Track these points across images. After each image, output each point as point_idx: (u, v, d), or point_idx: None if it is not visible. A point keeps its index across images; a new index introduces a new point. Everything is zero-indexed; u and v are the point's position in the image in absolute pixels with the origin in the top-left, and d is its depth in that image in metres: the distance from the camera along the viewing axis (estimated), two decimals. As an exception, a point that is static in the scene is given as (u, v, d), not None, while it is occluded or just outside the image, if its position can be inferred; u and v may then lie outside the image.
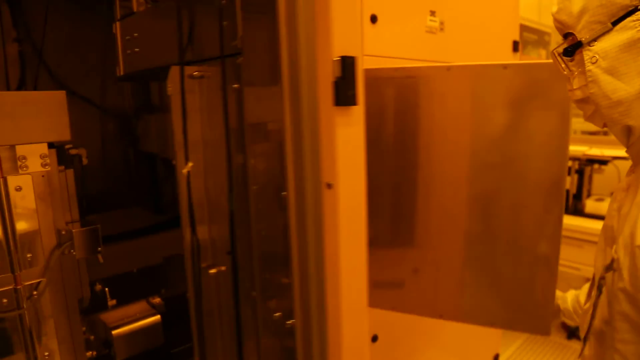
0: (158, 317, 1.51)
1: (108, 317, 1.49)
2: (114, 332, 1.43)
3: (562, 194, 1.12)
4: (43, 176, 1.18)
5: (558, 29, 0.95)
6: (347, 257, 0.83)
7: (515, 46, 1.87)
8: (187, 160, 0.92)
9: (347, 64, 0.84)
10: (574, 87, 0.92)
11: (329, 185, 0.82)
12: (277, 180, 0.85)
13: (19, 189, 1.14)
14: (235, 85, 0.94)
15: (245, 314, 0.92)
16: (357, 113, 0.85)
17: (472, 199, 1.22)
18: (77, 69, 2.45)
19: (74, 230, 1.19)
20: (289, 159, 0.83)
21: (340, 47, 0.82)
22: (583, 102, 0.92)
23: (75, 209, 1.25)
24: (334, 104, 0.82)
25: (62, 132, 1.12)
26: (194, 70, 1.03)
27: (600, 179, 3.49)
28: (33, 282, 1.21)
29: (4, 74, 2.24)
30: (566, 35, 0.92)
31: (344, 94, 0.83)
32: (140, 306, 1.57)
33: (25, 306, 1.19)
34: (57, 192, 1.20)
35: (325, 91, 0.82)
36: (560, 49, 0.91)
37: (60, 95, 1.10)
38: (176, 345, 1.61)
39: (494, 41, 1.78)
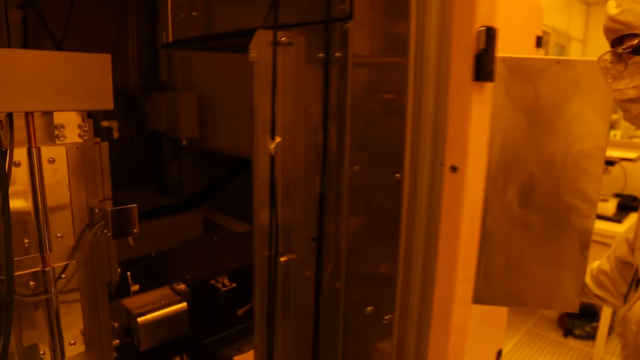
0: (184, 304, 1.42)
1: (131, 303, 1.40)
2: (140, 319, 1.34)
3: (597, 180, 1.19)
4: (78, 148, 1.07)
5: (613, 30, 0.99)
6: (465, 249, 0.75)
7: (539, 42, 1.83)
8: (273, 136, 0.82)
9: (490, 35, 0.76)
10: (630, 86, 0.96)
11: (454, 169, 0.74)
12: (382, 161, 0.76)
13: (52, 161, 1.04)
14: (338, 54, 0.84)
15: (327, 307, 0.85)
16: (489, 92, 0.77)
17: (526, 186, 1.23)
18: (82, 39, 2.31)
19: (109, 209, 1.08)
20: (407, 138, 0.74)
21: (484, 16, 0.74)
22: (633, 101, 0.97)
23: (108, 185, 1.14)
24: (473, 79, 0.73)
25: (105, 100, 1.02)
26: (281, 36, 0.92)
27: (606, 180, 3.50)
28: (62, 264, 1.10)
29: (6, 41, 2.10)
30: (622, 38, 0.97)
31: (484, 69, 0.75)
32: (164, 292, 1.47)
33: (53, 290, 1.08)
34: (91, 167, 1.10)
35: (460, 64, 0.74)
36: (625, 49, 0.96)
37: (104, 59, 1.00)
38: (205, 335, 1.52)
39: (518, 36, 1.72)
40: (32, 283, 1.07)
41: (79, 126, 1.04)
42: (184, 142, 2.40)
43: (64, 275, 1.11)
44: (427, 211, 0.73)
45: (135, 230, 1.14)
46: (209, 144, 2.43)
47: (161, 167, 2.82)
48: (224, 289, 1.57)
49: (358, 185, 0.78)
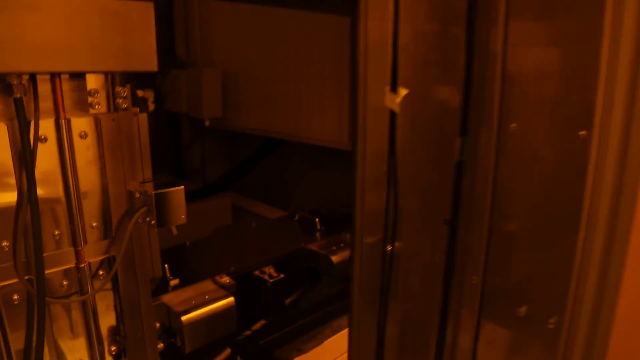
0: (231, 299, 1.25)
1: (172, 299, 1.23)
2: (184, 317, 1.17)
3: None
4: (114, 120, 0.89)
5: None
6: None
7: None
8: (395, 86, 0.61)
9: None
10: None
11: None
12: (557, 114, 0.58)
13: (83, 135, 0.86)
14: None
15: (457, 305, 0.67)
16: None
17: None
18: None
19: (152, 193, 0.91)
20: (602, 68, 0.56)
21: None
22: None
23: (148, 165, 0.96)
24: None
25: (148, 60, 0.83)
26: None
27: None
28: (99, 258, 0.93)
29: None
30: None
31: None
32: (206, 286, 1.30)
33: (90, 290, 0.91)
34: (129, 143, 0.92)
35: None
36: None
37: (146, 9, 0.81)
38: (260, 334, 1.36)
39: None
40: (65, 282, 0.90)
41: (116, 93, 0.86)
42: (207, 123, 2.22)
43: (101, 272, 0.94)
44: (616, 181, 0.53)
45: (182, 216, 0.97)
46: (235, 124, 2.25)
47: (180, 150, 2.64)
48: (271, 280, 1.40)
49: (514, 150, 0.60)
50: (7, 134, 0.78)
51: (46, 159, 0.82)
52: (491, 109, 0.60)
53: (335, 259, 1.56)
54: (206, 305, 1.22)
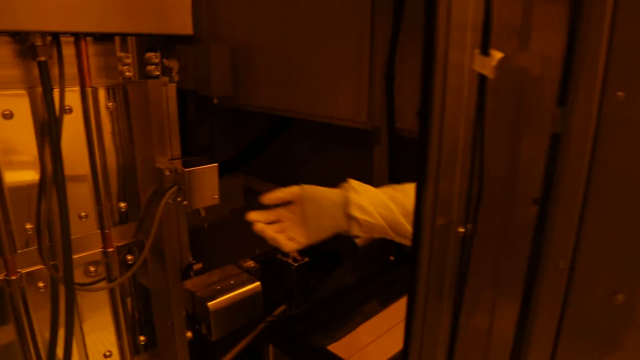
0: (258, 284, 1.18)
1: (196, 285, 1.16)
2: (210, 304, 1.10)
3: None
4: (142, 89, 0.80)
5: None
6: None
7: None
8: (486, 48, 0.53)
9: None
10: None
11: None
12: None
13: (111, 107, 0.77)
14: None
15: (543, 293, 0.61)
16: None
17: None
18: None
19: (186, 170, 0.83)
20: None
21: None
22: None
23: (176, 141, 0.88)
24: None
25: (184, 22, 0.75)
26: None
27: None
28: (126, 242, 0.86)
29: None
30: None
31: None
32: (229, 271, 1.23)
33: (118, 277, 0.84)
34: (158, 116, 0.84)
35: None
36: None
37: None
38: (293, 320, 1.29)
39: None
40: (92, 269, 0.82)
41: (147, 59, 0.77)
42: (216, 101, 2.13)
43: (129, 257, 0.87)
44: None
45: (215, 196, 0.89)
46: (244, 102, 2.16)
47: (186, 128, 2.55)
48: (296, 264, 1.33)
49: (619, 122, 0.53)
50: (28, 104, 0.69)
51: (70, 132, 0.74)
52: (594, 74, 0.53)
53: (359, 242, 1.50)
54: (232, 290, 1.15)
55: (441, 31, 0.57)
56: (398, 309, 1.38)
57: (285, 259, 1.36)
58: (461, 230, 0.64)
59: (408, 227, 0.94)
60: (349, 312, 1.28)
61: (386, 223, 0.94)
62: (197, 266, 1.25)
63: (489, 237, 0.62)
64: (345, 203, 0.94)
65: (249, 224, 1.16)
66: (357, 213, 0.94)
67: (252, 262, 1.27)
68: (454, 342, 0.68)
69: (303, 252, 1.40)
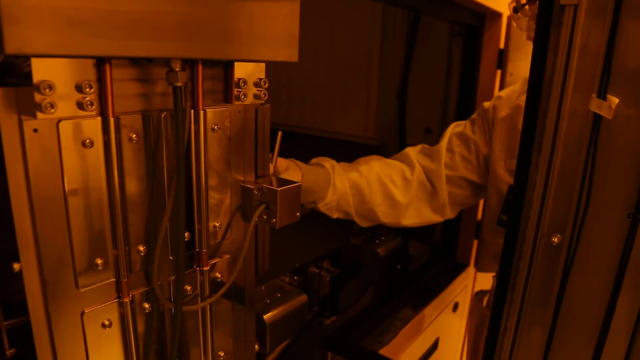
0: (304, 297, 1.22)
1: (247, 300, 1.17)
2: (266, 317, 1.12)
3: None
4: (240, 112, 0.83)
5: None
6: None
7: None
8: (603, 94, 0.60)
9: None
10: None
11: None
12: None
13: (216, 129, 0.80)
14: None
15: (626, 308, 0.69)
16: None
17: None
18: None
19: (279, 189, 0.86)
20: None
21: None
22: None
23: (263, 159, 0.91)
24: None
25: (293, 51, 0.78)
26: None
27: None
28: (217, 260, 0.87)
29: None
30: None
31: None
32: (274, 285, 1.26)
33: (209, 295, 0.86)
34: (250, 137, 0.87)
35: None
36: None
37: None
38: (345, 329, 1.33)
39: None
40: (188, 287, 0.83)
41: (256, 84, 0.80)
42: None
43: (219, 275, 0.88)
44: None
45: (297, 214, 0.93)
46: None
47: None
48: (329, 275, 1.38)
49: None
50: (143, 127, 0.71)
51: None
52: None
53: (381, 252, 1.57)
54: (282, 303, 1.18)
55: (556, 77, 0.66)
56: (426, 315, 1.47)
57: (318, 270, 1.40)
58: (555, 239, 0.72)
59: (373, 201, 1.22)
60: (389, 319, 1.34)
61: (354, 194, 1.21)
62: (245, 281, 1.27)
63: (589, 252, 0.71)
64: (330, 174, 1.19)
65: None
66: (337, 178, 1.19)
67: (294, 274, 1.31)
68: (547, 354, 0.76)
69: (333, 263, 1.45)
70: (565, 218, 0.71)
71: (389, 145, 1.77)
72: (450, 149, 1.29)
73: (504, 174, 1.18)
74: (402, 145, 1.71)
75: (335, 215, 1.24)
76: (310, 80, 1.93)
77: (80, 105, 0.59)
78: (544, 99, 0.71)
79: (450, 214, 1.32)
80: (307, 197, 1.18)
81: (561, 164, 0.70)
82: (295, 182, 0.91)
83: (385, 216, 1.26)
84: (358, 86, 1.84)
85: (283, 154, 2.21)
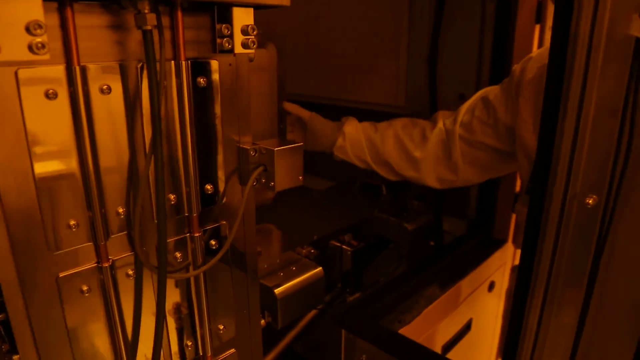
0: (320, 269, 1.15)
1: (259, 272, 1.12)
2: (277, 291, 1.07)
3: None
4: (230, 65, 0.76)
5: None
6: None
7: None
8: None
9: None
10: None
11: None
12: None
13: (202, 82, 0.73)
14: None
15: None
16: None
17: None
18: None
19: (276, 149, 0.79)
20: None
21: None
22: None
23: (248, 118, 0.84)
24: None
25: (283, -13, 0.70)
26: None
27: None
28: (211, 226, 0.82)
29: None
30: None
31: None
32: (289, 257, 1.20)
33: (202, 262, 0.80)
34: (243, 92, 0.80)
35: None
36: None
37: None
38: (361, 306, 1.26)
39: None
40: (178, 254, 0.78)
41: (244, 30, 0.73)
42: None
43: (213, 242, 0.83)
44: None
45: (300, 177, 0.85)
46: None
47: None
48: (351, 249, 1.30)
49: None
50: (119, 80, 0.65)
51: (163, 109, 0.70)
52: None
53: (409, 226, 1.47)
54: (296, 277, 1.12)
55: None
56: (456, 294, 1.37)
57: (340, 244, 1.33)
58: (589, 201, 0.61)
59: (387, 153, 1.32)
60: (413, 296, 1.25)
61: (368, 145, 1.33)
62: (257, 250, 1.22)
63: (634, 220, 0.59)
64: (341, 124, 1.36)
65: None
66: (346, 128, 1.35)
67: (311, 247, 1.24)
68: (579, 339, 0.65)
69: (356, 237, 1.37)
70: (603, 176, 0.60)
71: (420, 114, 1.65)
72: (470, 111, 1.23)
73: (531, 139, 1.05)
74: (434, 113, 1.59)
75: (355, 162, 1.37)
76: (337, 47, 1.83)
77: (31, 49, 0.53)
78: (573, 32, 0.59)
79: (469, 176, 1.27)
80: (317, 141, 1.37)
81: (595, 111, 0.59)
82: (296, 143, 0.83)
83: (400, 168, 1.31)
84: (386, 51, 1.72)
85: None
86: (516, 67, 1.14)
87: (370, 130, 1.35)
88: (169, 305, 0.81)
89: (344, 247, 1.31)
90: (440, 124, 1.28)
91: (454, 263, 1.48)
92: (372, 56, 1.77)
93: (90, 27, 0.61)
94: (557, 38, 0.57)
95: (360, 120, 1.39)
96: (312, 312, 1.29)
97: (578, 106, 0.61)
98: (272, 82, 1.13)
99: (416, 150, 1.28)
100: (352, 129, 1.35)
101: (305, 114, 1.37)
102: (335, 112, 2.01)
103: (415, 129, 1.31)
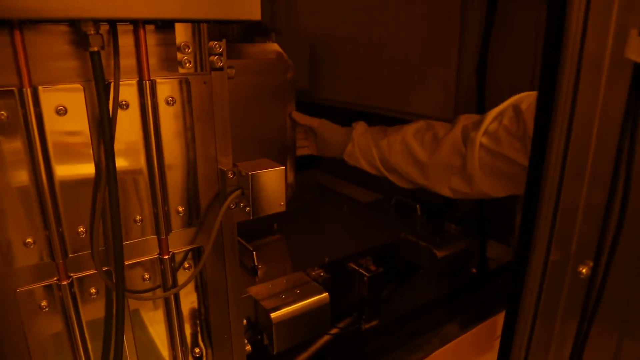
0: (326, 295, 1.09)
1: (260, 292, 1.09)
2: (273, 315, 1.02)
3: None
4: (205, 83, 0.73)
5: None
6: None
7: None
8: None
9: None
10: None
11: None
12: None
13: (171, 101, 0.70)
14: None
15: None
16: None
17: None
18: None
19: (250, 173, 0.74)
20: None
21: None
22: None
23: (228, 139, 0.80)
24: None
25: (251, 6, 0.66)
26: None
27: None
28: (184, 249, 0.79)
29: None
30: None
31: None
32: (298, 279, 1.15)
33: (172, 284, 0.78)
34: (220, 112, 0.76)
35: None
36: None
37: None
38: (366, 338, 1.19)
39: None
40: (146, 275, 0.77)
41: (210, 48, 0.69)
42: (293, 94, 2.05)
43: (187, 265, 0.80)
44: None
45: (282, 203, 0.80)
46: (323, 96, 2.07)
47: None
48: (368, 275, 1.22)
49: None
50: (83, 98, 0.64)
51: (127, 129, 0.68)
52: None
53: (439, 253, 1.36)
54: (298, 301, 1.07)
55: (574, 11, 0.42)
56: (481, 334, 1.23)
57: (357, 268, 1.25)
58: (583, 270, 0.49)
59: (393, 158, 1.26)
60: (426, 334, 1.15)
61: (376, 151, 1.28)
62: (261, 268, 1.19)
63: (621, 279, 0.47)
64: (351, 129, 1.33)
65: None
66: (355, 134, 1.32)
67: (322, 270, 1.18)
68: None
69: (377, 262, 1.28)
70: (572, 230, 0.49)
71: (467, 129, 1.52)
72: (499, 118, 1.10)
73: None
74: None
75: (367, 169, 1.33)
76: (386, 55, 1.75)
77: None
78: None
79: (487, 189, 1.14)
80: (328, 148, 1.36)
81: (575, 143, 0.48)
82: (277, 166, 0.78)
83: (408, 174, 1.25)
84: (435, 61, 1.61)
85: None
86: None
87: (379, 134, 1.30)
88: (142, 326, 0.80)
89: (361, 271, 1.23)
90: (457, 129, 1.17)
91: (486, 298, 1.34)
92: (421, 66, 1.67)
93: (46, 48, 0.61)
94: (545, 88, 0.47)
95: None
96: (325, 338, 1.24)
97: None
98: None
99: (424, 154, 1.20)
100: (361, 134, 1.31)
101: (314, 122, 1.35)
102: (381, 122, 1.93)
103: (427, 132, 1.23)
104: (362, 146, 1.31)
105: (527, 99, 1.08)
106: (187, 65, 0.67)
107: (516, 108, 1.07)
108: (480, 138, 1.10)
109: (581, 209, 0.49)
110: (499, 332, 1.34)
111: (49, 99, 0.62)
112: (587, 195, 0.49)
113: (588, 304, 0.50)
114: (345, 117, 2.15)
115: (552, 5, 0.44)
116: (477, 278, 1.51)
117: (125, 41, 0.65)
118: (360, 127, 1.34)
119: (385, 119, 1.84)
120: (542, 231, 0.51)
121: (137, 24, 0.64)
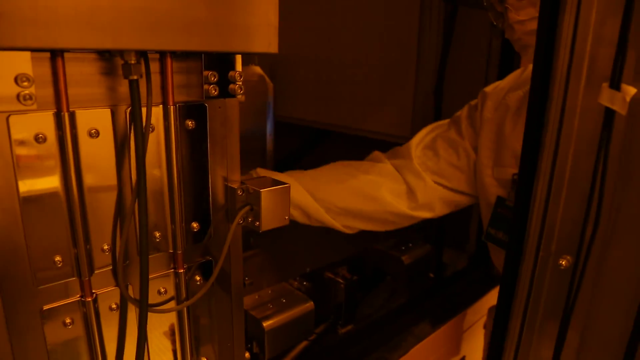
0: (311, 304, 1.16)
1: (249, 304, 1.14)
2: (265, 324, 1.08)
3: None
4: (220, 107, 0.79)
5: None
6: None
7: None
8: (616, 84, 0.50)
9: None
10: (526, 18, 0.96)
11: None
12: None
13: (190, 125, 0.76)
14: None
15: None
16: None
17: None
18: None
19: (262, 190, 0.81)
20: None
21: None
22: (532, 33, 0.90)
23: (237, 159, 0.86)
24: None
25: (271, 41, 0.73)
26: None
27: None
28: (196, 262, 0.84)
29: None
30: None
31: None
32: (282, 289, 1.21)
33: (186, 297, 0.82)
34: (231, 134, 0.82)
35: None
36: None
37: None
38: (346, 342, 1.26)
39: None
40: (162, 289, 0.80)
41: (231, 77, 0.75)
42: (252, 111, 2.11)
43: (197, 278, 0.85)
44: None
45: (286, 217, 0.87)
46: (283, 113, 2.15)
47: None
48: (344, 283, 1.31)
49: None
50: (110, 123, 0.68)
51: (151, 150, 0.72)
52: None
53: (405, 259, 1.47)
54: (286, 310, 1.13)
55: (560, 63, 0.54)
56: (450, 330, 1.35)
57: (334, 276, 1.33)
58: (563, 262, 0.61)
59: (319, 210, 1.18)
60: (402, 334, 1.25)
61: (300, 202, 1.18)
62: (247, 281, 1.23)
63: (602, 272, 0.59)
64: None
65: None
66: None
67: (304, 280, 1.25)
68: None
69: (353, 269, 1.37)
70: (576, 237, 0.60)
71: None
72: (432, 148, 1.17)
73: (491, 184, 1.03)
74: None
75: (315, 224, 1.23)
76: (347, 76, 1.86)
77: (19, 99, 0.57)
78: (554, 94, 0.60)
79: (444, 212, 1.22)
80: None
81: (571, 173, 0.59)
82: (283, 184, 0.85)
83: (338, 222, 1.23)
84: (394, 83, 1.74)
85: (320, 153, 2.16)
86: (474, 102, 1.14)
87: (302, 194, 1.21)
88: (155, 337, 0.83)
89: (337, 279, 1.32)
90: (387, 167, 1.23)
91: (449, 299, 1.47)
92: (380, 86, 1.79)
93: (82, 73, 0.65)
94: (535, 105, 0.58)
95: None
96: (303, 343, 1.30)
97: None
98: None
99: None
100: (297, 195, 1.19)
101: None
102: (343, 140, 2.03)
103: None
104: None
105: (439, 128, 1.20)
106: (213, 92, 0.73)
107: (447, 139, 1.15)
108: (432, 177, 1.16)
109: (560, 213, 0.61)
110: (466, 326, 1.48)
111: (83, 121, 0.65)
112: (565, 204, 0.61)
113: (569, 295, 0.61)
114: (305, 134, 2.24)
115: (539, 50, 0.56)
116: (436, 282, 1.64)
117: (152, 69, 0.69)
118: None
119: (345, 137, 1.95)
120: (532, 237, 0.62)
121: (164, 54, 0.69)
